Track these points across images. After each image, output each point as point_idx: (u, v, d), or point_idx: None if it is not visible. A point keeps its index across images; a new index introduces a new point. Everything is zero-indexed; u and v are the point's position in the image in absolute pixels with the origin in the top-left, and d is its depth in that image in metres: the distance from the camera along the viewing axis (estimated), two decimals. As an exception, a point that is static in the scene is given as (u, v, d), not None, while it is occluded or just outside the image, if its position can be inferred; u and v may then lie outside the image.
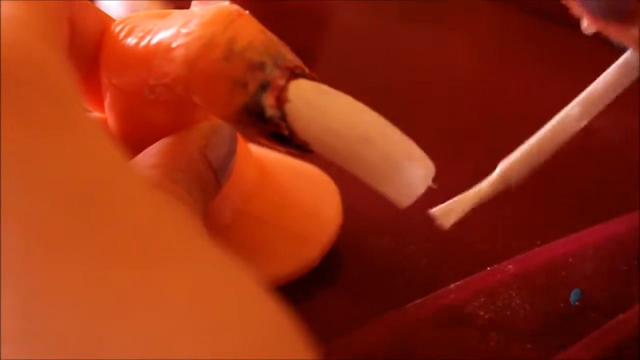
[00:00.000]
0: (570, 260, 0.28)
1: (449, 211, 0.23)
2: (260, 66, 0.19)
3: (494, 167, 0.34)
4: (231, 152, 0.22)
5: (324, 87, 0.19)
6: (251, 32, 0.19)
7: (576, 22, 0.43)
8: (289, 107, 0.19)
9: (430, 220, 0.31)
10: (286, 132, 0.19)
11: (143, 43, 0.20)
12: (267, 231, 0.27)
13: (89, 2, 0.21)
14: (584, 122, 0.21)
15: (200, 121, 0.22)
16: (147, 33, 0.20)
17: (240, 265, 0.14)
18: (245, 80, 0.19)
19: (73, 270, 0.12)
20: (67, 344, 0.12)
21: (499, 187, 0.22)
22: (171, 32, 0.19)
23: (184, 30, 0.19)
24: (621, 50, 0.24)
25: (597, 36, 0.43)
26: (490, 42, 0.45)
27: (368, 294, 0.27)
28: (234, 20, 0.19)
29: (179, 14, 0.20)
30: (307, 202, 0.28)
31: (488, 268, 0.27)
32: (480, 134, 0.36)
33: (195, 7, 0.20)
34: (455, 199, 0.23)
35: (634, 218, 0.29)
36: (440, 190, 0.32)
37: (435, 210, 0.23)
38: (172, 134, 0.21)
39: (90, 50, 0.21)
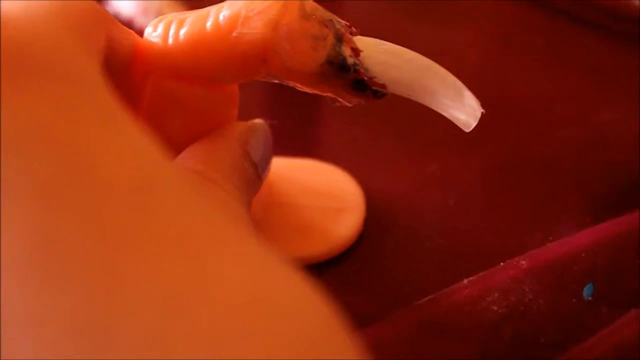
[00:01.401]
0: (583, 255, 0.28)
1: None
2: (330, 22, 0.21)
3: (503, 162, 0.34)
4: (268, 149, 0.24)
5: (380, 40, 0.22)
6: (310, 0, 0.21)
7: (583, 16, 0.43)
8: (363, 55, 0.21)
9: (444, 216, 0.31)
10: (366, 78, 0.21)
11: (209, 23, 0.21)
12: (298, 213, 0.29)
13: (120, 24, 0.21)
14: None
15: (230, 122, 0.24)
16: (205, 17, 0.21)
17: (287, 261, 0.14)
18: (323, 34, 0.21)
19: (134, 266, 0.12)
20: (132, 342, 0.11)
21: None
22: (238, 6, 0.21)
23: (257, 0, 0.21)
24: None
25: (605, 29, 0.43)
26: (496, 37, 0.45)
27: (382, 290, 0.27)
28: None
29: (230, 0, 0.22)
30: (330, 189, 0.30)
31: (501, 264, 0.27)
32: (488, 129, 0.36)
33: None
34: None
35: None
36: (452, 185, 0.32)
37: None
38: (211, 134, 0.23)
39: (121, 66, 0.21)
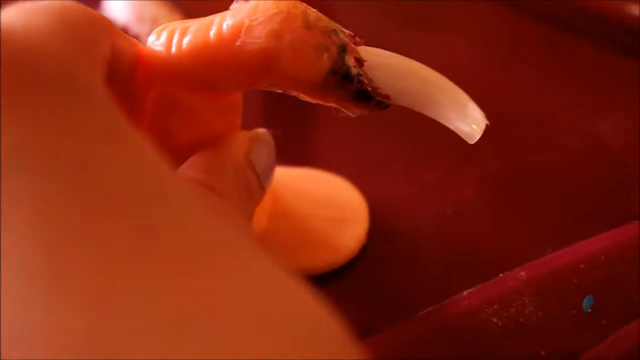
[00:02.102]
0: (582, 266, 0.28)
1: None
2: (334, 32, 0.21)
3: (503, 171, 0.34)
4: (271, 158, 0.24)
5: (384, 50, 0.22)
6: (312, 9, 0.21)
7: (582, 27, 0.43)
8: (367, 66, 0.21)
9: (444, 226, 0.31)
10: (370, 88, 0.21)
11: (213, 32, 0.21)
12: (302, 223, 0.29)
13: (123, 32, 0.21)
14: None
15: (233, 131, 0.24)
16: (208, 26, 0.21)
17: (291, 271, 0.14)
18: (327, 45, 0.21)
19: (138, 283, 0.12)
20: None
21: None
22: (241, 15, 0.21)
23: (260, 10, 0.21)
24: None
25: (602, 39, 0.43)
26: (494, 46, 0.46)
27: (380, 302, 0.27)
28: (293, 1, 0.21)
29: (233, 9, 0.22)
30: (333, 199, 0.31)
31: (500, 275, 0.27)
32: (488, 138, 0.36)
33: (236, 3, 0.22)
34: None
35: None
36: (450, 196, 0.32)
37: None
38: (214, 143, 0.23)
39: (124, 75, 0.21)
